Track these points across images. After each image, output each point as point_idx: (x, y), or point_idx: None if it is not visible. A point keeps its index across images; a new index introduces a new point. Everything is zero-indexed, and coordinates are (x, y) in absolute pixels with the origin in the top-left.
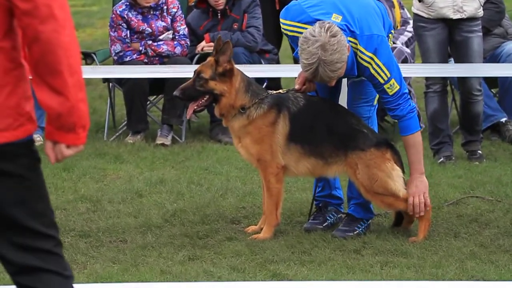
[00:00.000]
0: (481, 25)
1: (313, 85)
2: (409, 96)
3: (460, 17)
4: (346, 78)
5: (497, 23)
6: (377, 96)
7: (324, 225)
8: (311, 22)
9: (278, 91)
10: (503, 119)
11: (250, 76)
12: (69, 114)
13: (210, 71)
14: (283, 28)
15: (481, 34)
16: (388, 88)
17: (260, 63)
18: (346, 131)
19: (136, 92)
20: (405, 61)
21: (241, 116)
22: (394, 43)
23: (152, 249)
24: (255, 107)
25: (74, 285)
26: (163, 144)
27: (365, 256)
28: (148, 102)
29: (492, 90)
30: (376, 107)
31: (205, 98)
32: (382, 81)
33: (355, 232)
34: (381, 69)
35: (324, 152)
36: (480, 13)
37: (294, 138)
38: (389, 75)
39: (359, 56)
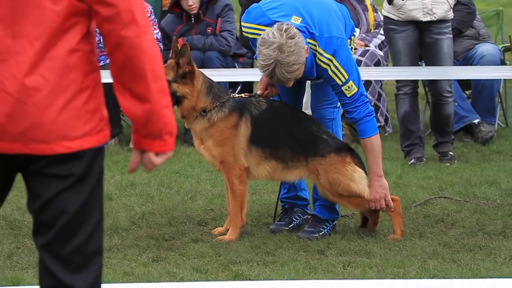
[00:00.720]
0: (453, 27)
1: (275, 90)
2: (367, 99)
3: (430, 19)
4: (308, 80)
5: (468, 24)
6: None
7: (290, 226)
8: (271, 24)
9: (240, 95)
10: (476, 121)
11: (224, 80)
12: (155, 121)
13: (172, 73)
14: (244, 31)
15: (451, 36)
16: (346, 90)
17: (234, 67)
18: (307, 137)
19: (109, 96)
20: (378, 64)
21: (202, 118)
22: (367, 45)
23: (117, 251)
24: (216, 110)
25: (31, 286)
26: None
27: (328, 256)
28: None
29: (466, 91)
30: (340, 108)
31: None
32: (340, 82)
33: (320, 233)
34: (339, 71)
35: (285, 156)
36: (450, 15)
37: (255, 141)
38: (347, 77)
39: (318, 58)
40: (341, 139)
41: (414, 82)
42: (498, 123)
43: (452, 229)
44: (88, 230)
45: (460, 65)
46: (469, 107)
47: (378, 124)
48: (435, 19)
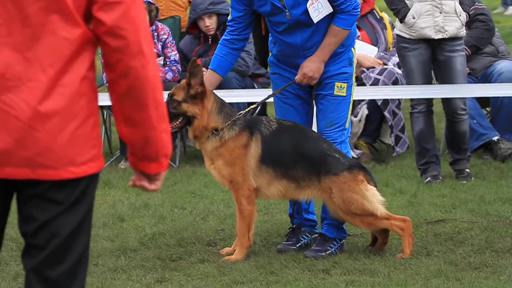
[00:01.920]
0: (471, 44)
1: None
2: None
3: (442, 37)
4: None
5: (487, 41)
6: (348, 118)
7: (297, 245)
8: None
9: (248, 109)
10: (495, 138)
11: (243, 100)
12: (152, 145)
13: (182, 94)
14: None
15: (463, 53)
16: None
17: (253, 87)
18: (318, 156)
19: None
20: (396, 82)
21: (213, 138)
22: (385, 64)
23: (122, 272)
24: (227, 128)
25: None
26: None
27: (333, 275)
28: None
29: (485, 109)
30: (349, 130)
31: (179, 120)
32: None
33: (327, 252)
34: None
35: (297, 175)
36: (462, 32)
37: (266, 160)
38: None
39: None
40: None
41: (428, 100)
42: None
43: (460, 247)
44: (77, 254)
45: (479, 82)
46: (488, 124)
47: (388, 142)
48: (447, 37)
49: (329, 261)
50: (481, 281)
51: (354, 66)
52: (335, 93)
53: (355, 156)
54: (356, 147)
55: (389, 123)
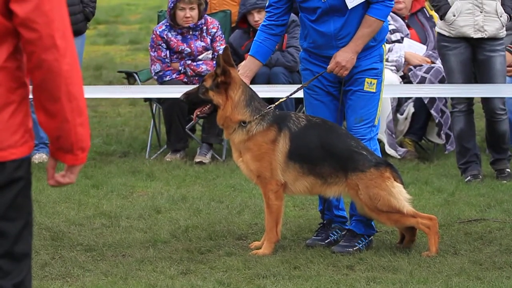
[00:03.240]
0: None
1: None
2: None
3: (481, 36)
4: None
5: None
6: (378, 115)
7: (326, 241)
8: None
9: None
10: None
11: (291, 97)
12: (67, 137)
13: (210, 81)
14: None
15: (504, 53)
16: None
17: (301, 82)
18: (346, 153)
19: (175, 111)
20: (442, 81)
21: (241, 130)
22: (433, 62)
23: (148, 263)
24: (255, 122)
25: None
26: (201, 162)
27: (356, 271)
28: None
29: None
30: (378, 127)
31: (207, 106)
32: None
33: (354, 248)
34: None
35: (324, 172)
36: (502, 33)
37: (293, 156)
38: None
39: None
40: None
41: (469, 100)
42: None
43: (488, 247)
44: (13, 236)
45: None
46: None
47: (439, 142)
48: (486, 37)
49: (354, 257)
50: (502, 281)
51: (384, 63)
52: (365, 89)
53: (399, 154)
54: (401, 145)
55: (436, 121)
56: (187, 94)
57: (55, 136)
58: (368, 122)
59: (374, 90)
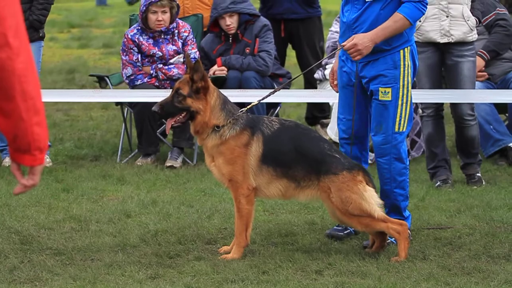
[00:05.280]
0: (490, 49)
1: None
2: None
3: (447, 41)
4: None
5: (506, 46)
6: (399, 121)
7: (345, 232)
8: None
9: (250, 106)
10: (511, 144)
11: (262, 102)
12: (24, 137)
13: (187, 88)
14: None
15: (473, 59)
16: None
17: (273, 87)
18: (319, 156)
19: (146, 115)
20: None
21: (214, 135)
22: None
23: (117, 267)
24: (228, 127)
25: None
26: (172, 167)
27: (325, 276)
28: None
29: (503, 114)
30: (405, 133)
31: (182, 115)
32: None
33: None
34: None
35: (297, 175)
36: (471, 37)
37: (266, 160)
38: None
39: None
40: (407, 159)
41: (437, 105)
42: None
43: (457, 252)
44: None
45: (498, 88)
46: (504, 130)
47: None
48: (452, 41)
49: (323, 262)
50: (470, 286)
51: (403, 69)
52: (380, 98)
53: (370, 159)
54: (372, 150)
55: None
56: (161, 105)
57: (12, 136)
58: (387, 129)
59: (389, 99)
